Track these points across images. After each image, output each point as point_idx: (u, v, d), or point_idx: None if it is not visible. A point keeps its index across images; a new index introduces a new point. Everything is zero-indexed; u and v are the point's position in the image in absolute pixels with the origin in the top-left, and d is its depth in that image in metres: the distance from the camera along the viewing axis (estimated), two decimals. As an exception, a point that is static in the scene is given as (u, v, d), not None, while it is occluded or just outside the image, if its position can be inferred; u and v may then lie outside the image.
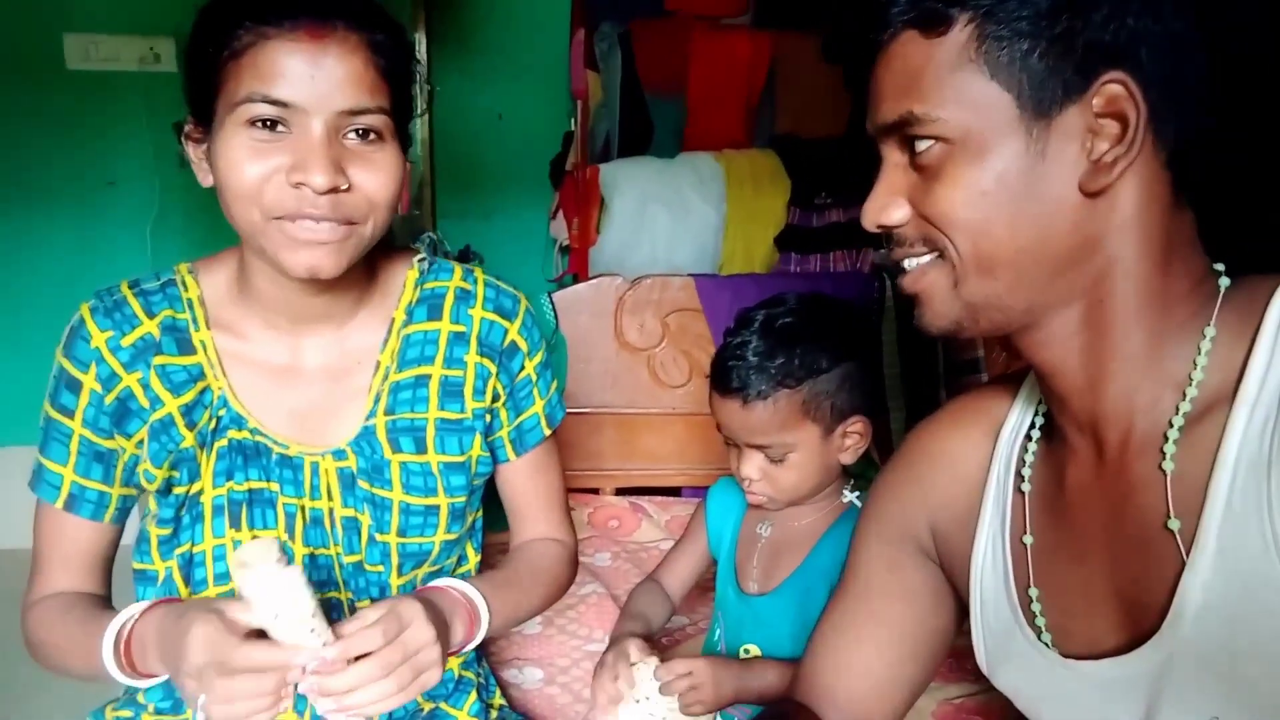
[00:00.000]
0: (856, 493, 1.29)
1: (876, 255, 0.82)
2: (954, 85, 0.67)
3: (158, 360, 0.96)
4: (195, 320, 0.98)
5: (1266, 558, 0.61)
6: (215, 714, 0.78)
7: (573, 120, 2.62)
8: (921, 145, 0.69)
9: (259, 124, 0.85)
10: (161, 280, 1.00)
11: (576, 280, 2.15)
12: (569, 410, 1.88)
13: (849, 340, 1.25)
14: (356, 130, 0.87)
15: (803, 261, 2.42)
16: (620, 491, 1.95)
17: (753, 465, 1.24)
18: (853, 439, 1.24)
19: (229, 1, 0.87)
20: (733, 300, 1.79)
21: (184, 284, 1.00)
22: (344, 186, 0.86)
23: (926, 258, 0.72)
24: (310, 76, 0.84)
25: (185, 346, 0.98)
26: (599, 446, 1.93)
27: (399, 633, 0.84)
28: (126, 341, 0.96)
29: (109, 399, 0.96)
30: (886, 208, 0.72)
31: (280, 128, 0.85)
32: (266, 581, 0.76)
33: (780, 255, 2.43)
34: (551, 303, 1.86)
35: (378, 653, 0.82)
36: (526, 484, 1.14)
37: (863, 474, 1.34)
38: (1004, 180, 0.67)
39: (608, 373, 1.91)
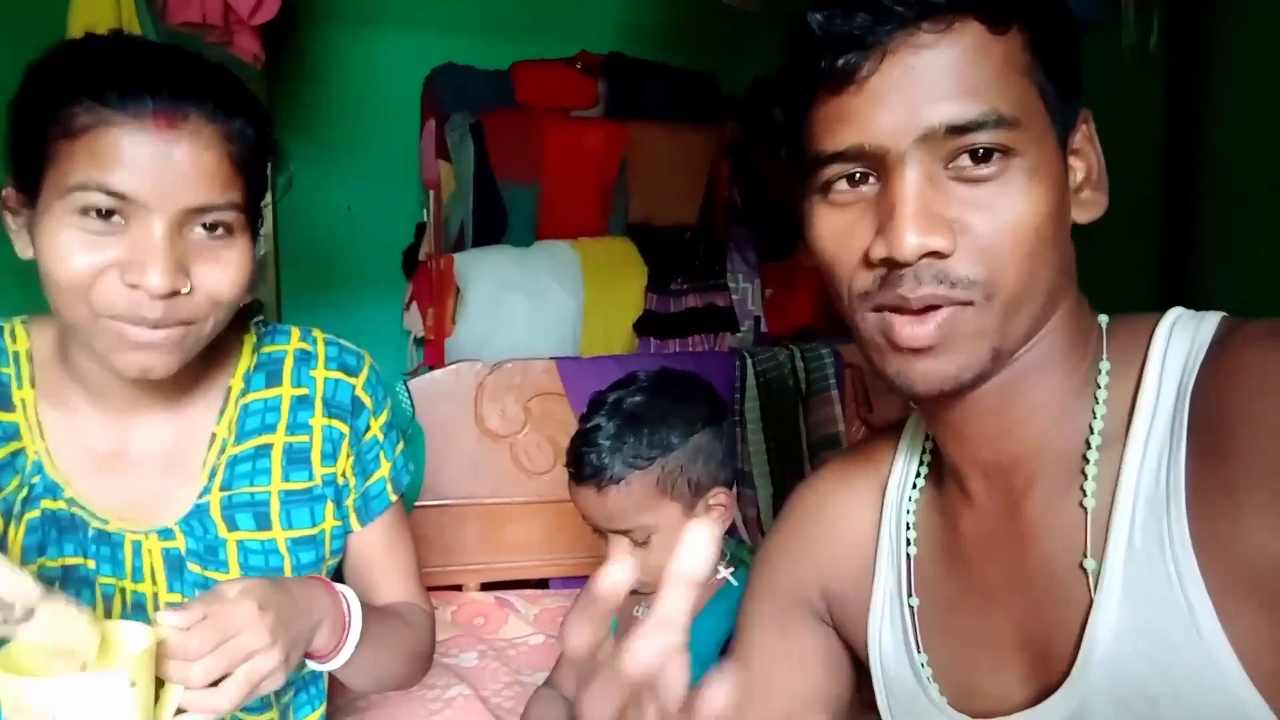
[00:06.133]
0: (731, 569, 1.26)
1: (857, 303, 0.65)
2: (1021, 90, 0.60)
3: None
4: (19, 377, 0.89)
5: (1172, 595, 0.60)
6: None
7: (425, 210, 2.59)
8: (983, 156, 0.60)
9: (92, 213, 0.77)
10: None
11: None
12: (429, 504, 1.81)
13: (696, 412, 1.23)
14: (204, 225, 0.80)
15: (661, 346, 2.43)
16: (485, 587, 1.85)
17: (621, 551, 1.20)
18: (717, 510, 1.22)
19: (63, 69, 0.79)
20: (596, 382, 1.74)
21: (12, 335, 0.90)
22: (185, 289, 0.79)
23: (956, 306, 0.61)
24: (156, 169, 0.76)
25: (3, 402, 0.88)
26: (461, 540, 1.83)
27: (222, 640, 0.73)
28: None
29: None
30: (935, 228, 0.60)
31: (116, 218, 0.77)
32: None
33: (639, 340, 2.44)
34: (408, 390, 1.78)
35: (194, 665, 0.72)
36: (375, 555, 1.05)
37: (735, 554, 1.31)
38: (1056, 206, 0.62)
39: (468, 462, 1.83)
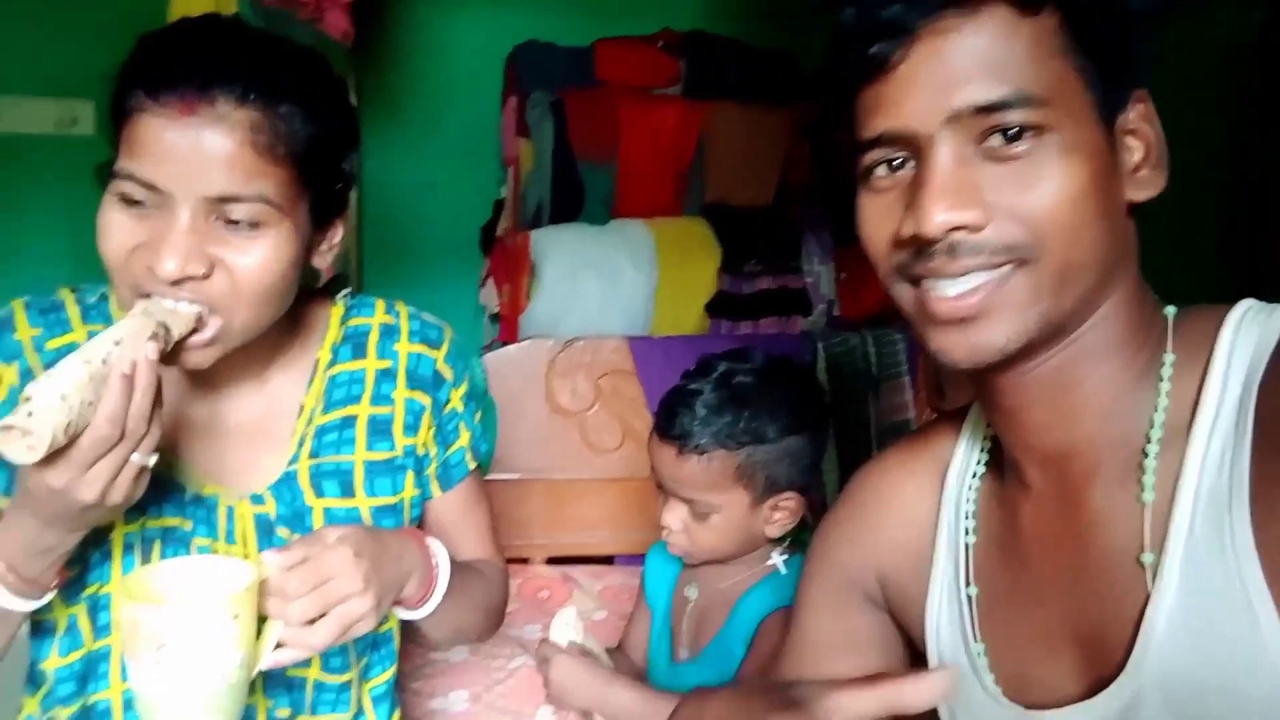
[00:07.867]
0: (784, 557, 1.25)
1: (892, 277, 0.69)
2: (1053, 71, 0.61)
3: None
4: None
5: (1229, 589, 0.60)
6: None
7: (503, 188, 2.62)
8: (1015, 135, 0.61)
9: (131, 198, 0.80)
10: (98, 295, 0.95)
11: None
12: (497, 477, 1.84)
13: (802, 413, 1.22)
14: (232, 217, 0.80)
15: (733, 327, 2.42)
16: (551, 561, 1.89)
17: (676, 516, 1.21)
18: (782, 514, 1.21)
19: (130, 61, 0.82)
20: (666, 362, 1.77)
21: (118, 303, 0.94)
22: (199, 273, 0.79)
23: (1006, 268, 0.62)
24: (176, 157, 0.77)
25: None
26: (528, 514, 1.87)
27: (319, 582, 0.78)
28: (53, 345, 0.90)
29: None
30: (964, 204, 0.61)
31: (151, 204, 0.79)
32: None
33: (711, 322, 2.43)
34: (482, 364, 1.82)
35: (291, 603, 0.77)
36: (454, 518, 1.08)
37: (797, 538, 1.31)
38: (1096, 181, 0.62)
39: (538, 437, 1.87)
